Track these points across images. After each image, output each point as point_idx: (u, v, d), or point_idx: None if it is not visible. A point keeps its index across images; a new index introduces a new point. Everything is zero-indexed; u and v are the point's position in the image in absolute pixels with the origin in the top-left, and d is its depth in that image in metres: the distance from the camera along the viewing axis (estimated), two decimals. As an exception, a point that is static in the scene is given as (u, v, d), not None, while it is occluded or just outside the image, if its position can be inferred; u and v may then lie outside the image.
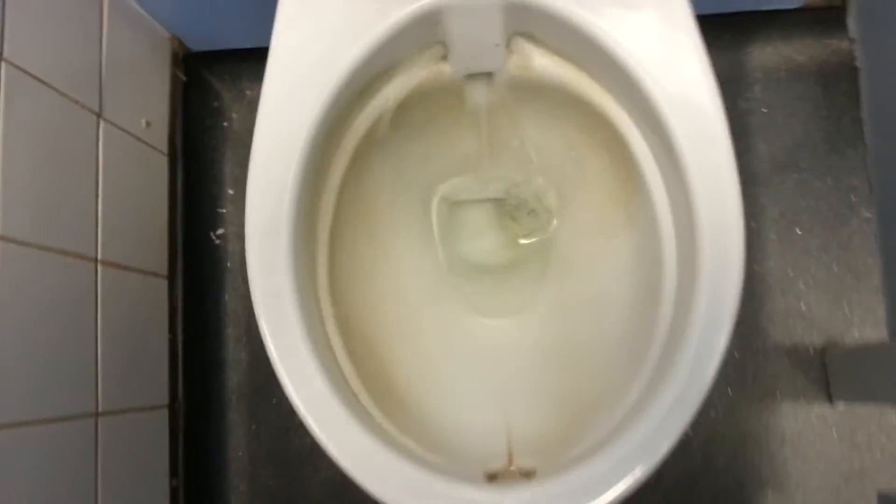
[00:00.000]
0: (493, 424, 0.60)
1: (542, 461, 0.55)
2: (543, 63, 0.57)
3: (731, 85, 0.87)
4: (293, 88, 0.51)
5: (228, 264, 0.88)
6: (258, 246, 0.49)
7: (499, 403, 0.62)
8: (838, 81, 0.86)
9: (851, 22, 0.87)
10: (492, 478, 0.53)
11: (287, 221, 0.50)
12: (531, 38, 0.56)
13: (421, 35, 0.54)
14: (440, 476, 0.46)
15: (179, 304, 0.84)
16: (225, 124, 0.90)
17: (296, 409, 0.48)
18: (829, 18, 0.87)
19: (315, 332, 0.50)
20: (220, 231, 0.89)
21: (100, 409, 0.66)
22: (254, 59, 0.90)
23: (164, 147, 0.84)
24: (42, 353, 0.59)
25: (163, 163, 0.83)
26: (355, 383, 0.54)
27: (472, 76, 0.60)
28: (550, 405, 0.62)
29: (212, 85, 0.91)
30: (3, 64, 0.55)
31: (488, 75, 0.60)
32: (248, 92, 0.91)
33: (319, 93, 0.51)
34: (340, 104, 0.53)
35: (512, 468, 0.55)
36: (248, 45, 0.90)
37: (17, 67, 0.57)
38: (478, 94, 0.62)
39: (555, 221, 0.71)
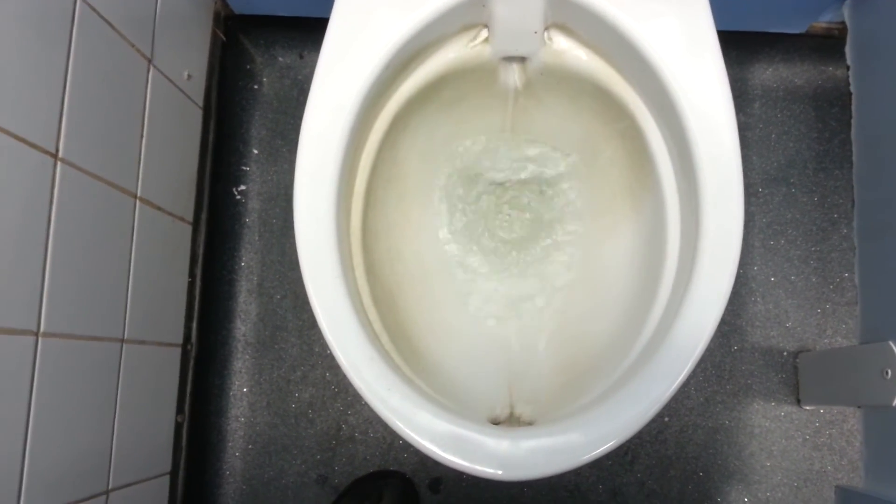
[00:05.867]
0: (496, 379, 0.64)
1: (541, 415, 0.59)
2: (575, 53, 0.61)
3: (734, 99, 0.90)
4: (349, 53, 0.55)
5: (247, 220, 0.90)
6: (306, 189, 0.53)
7: (503, 361, 0.66)
8: (831, 105, 0.91)
9: (849, 50, 0.91)
10: (495, 423, 0.57)
11: (332, 171, 0.54)
12: (566, 29, 0.60)
13: (467, 15, 0.58)
14: (449, 414, 0.50)
15: (200, 252, 0.86)
16: (255, 87, 0.92)
17: (326, 339, 0.51)
18: (828, 46, 0.92)
19: (347, 274, 0.54)
20: (241, 188, 0.90)
21: (125, 336, 0.69)
22: (289, 27, 0.93)
23: (201, 101, 0.86)
24: (86, 274, 0.62)
25: (198, 115, 0.86)
26: (378, 326, 0.58)
27: (507, 58, 0.63)
28: (551, 367, 0.65)
29: (247, 48, 0.93)
30: (77, 2, 0.58)
31: (522, 59, 0.64)
32: (279, 59, 0.92)
33: (371, 60, 0.55)
34: (388, 72, 0.57)
35: (513, 416, 0.59)
36: (287, 13, 0.92)
37: (89, 6, 0.60)
38: (510, 76, 0.65)
39: (565, 203, 0.74)
